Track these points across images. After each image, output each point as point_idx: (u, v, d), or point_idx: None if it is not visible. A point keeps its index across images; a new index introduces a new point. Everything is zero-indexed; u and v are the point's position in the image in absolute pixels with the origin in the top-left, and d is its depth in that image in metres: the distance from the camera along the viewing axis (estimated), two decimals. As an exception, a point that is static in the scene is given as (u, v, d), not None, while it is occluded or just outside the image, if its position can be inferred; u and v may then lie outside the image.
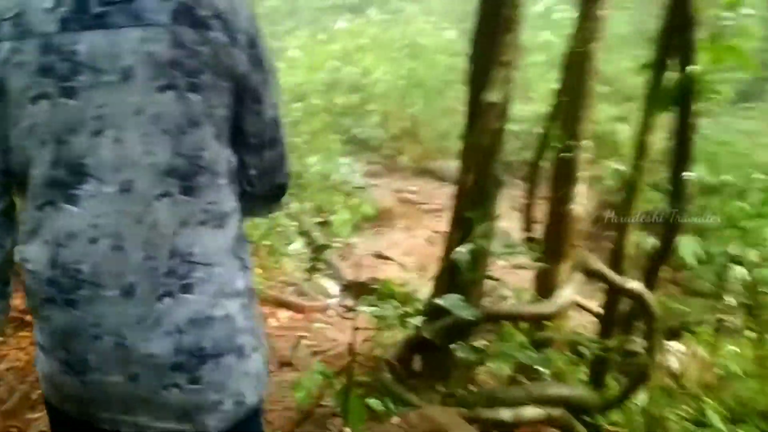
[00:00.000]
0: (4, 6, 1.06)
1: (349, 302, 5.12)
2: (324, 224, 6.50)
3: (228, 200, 1.12)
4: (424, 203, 7.91)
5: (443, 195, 8.13)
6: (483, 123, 3.14)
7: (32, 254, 1.09)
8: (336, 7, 13.06)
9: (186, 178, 1.05)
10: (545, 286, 3.69)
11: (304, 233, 6.12)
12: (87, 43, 1.02)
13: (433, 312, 3.00)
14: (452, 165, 9.07)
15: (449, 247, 3.19)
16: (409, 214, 7.48)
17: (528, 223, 4.06)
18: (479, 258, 3.01)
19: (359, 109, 9.80)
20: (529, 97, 8.64)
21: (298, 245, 5.74)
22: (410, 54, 10.51)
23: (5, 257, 1.15)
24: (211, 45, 1.04)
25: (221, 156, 1.10)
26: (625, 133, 7.22)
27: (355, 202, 6.97)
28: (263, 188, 1.22)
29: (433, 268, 5.78)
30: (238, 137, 1.14)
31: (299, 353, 3.71)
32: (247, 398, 1.14)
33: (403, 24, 11.48)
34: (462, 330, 3.03)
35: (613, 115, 7.83)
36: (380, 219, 7.09)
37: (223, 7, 1.06)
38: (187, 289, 1.06)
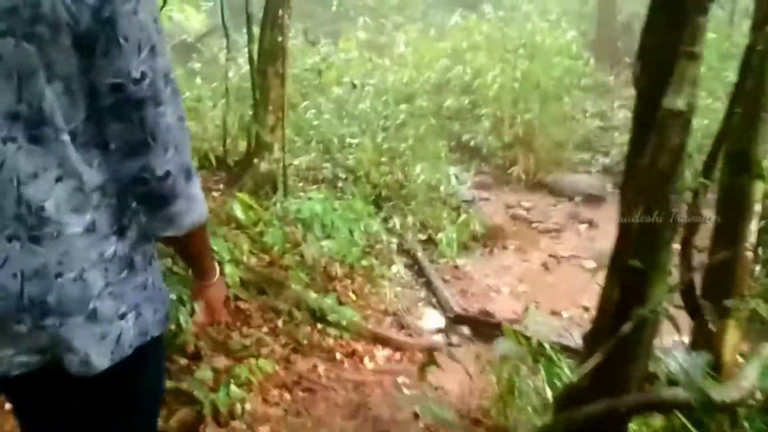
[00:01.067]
0: None
1: (457, 339, 4.43)
2: (428, 242, 5.82)
3: (79, 162, 1.10)
4: (538, 222, 7.10)
5: (560, 213, 7.32)
6: (661, 138, 2.36)
7: None
8: (448, 3, 12.37)
9: (31, 126, 1.05)
10: (704, 346, 2.94)
11: (405, 252, 5.46)
12: None
13: (575, 394, 2.27)
14: (569, 179, 8.27)
15: (605, 307, 2.44)
16: (521, 234, 6.70)
17: (687, 267, 3.28)
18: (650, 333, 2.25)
19: (469, 113, 9.06)
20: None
21: (399, 267, 5.07)
22: (526, 55, 9.65)
23: None
24: None
25: (66, 112, 1.08)
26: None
27: (463, 218, 6.26)
28: (120, 171, 1.14)
29: (549, 299, 5.02)
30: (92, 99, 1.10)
31: (400, 416, 3.05)
32: (95, 361, 1.15)
33: (520, 22, 10.64)
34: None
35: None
36: (490, 238, 6.33)
37: None
38: (35, 240, 1.08)
